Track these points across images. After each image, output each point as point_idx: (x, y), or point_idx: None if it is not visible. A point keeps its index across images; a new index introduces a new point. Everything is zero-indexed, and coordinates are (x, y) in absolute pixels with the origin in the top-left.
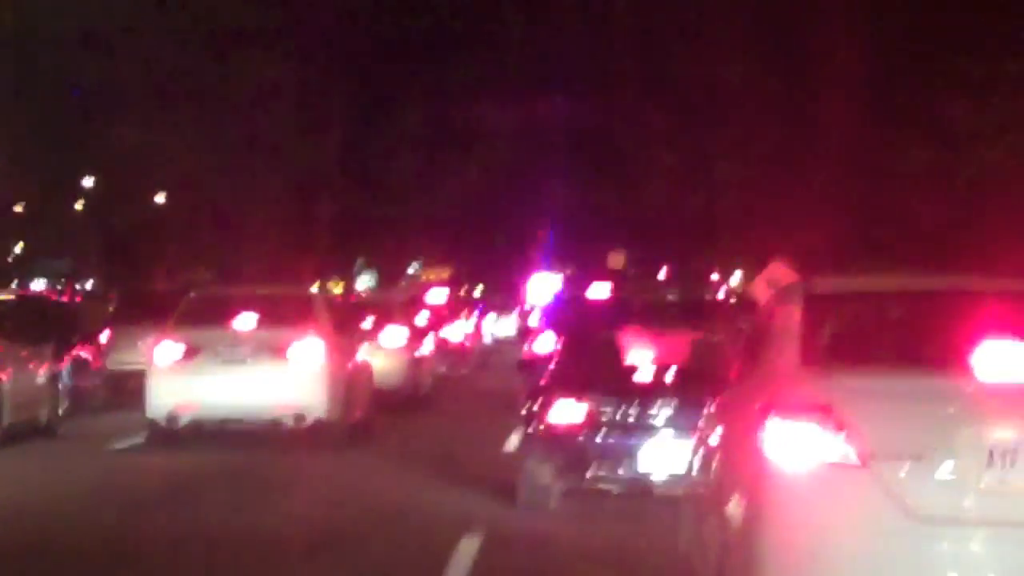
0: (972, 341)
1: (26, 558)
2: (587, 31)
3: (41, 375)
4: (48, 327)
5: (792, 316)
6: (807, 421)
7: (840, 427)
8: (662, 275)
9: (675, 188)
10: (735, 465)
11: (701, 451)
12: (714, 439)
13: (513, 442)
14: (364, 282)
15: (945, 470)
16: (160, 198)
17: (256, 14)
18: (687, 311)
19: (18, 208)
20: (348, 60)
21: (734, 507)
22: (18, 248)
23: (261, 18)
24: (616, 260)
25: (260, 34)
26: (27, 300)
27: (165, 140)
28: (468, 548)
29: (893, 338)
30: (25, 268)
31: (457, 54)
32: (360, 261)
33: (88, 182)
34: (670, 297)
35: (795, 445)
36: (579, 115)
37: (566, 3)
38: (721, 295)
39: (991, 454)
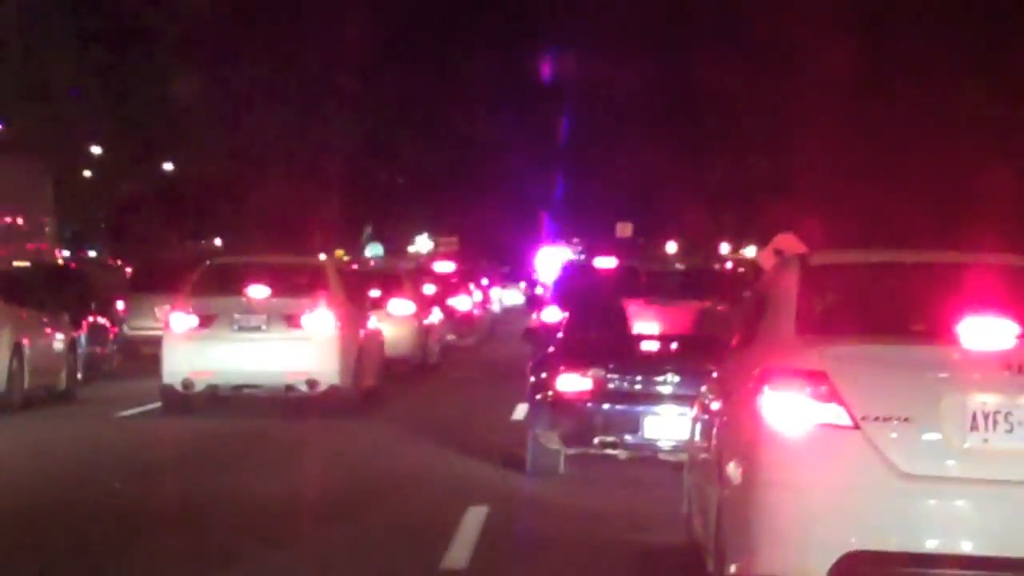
0: (958, 312)
1: (43, 520)
2: None
3: (60, 341)
4: (65, 294)
5: (789, 287)
6: (802, 386)
7: (833, 392)
8: (671, 246)
9: (688, 157)
10: (734, 428)
11: (702, 416)
12: (715, 404)
13: (520, 410)
14: (371, 251)
15: (931, 432)
16: (168, 165)
17: None
18: (694, 281)
19: None
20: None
21: (733, 468)
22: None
23: None
24: (624, 230)
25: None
26: (44, 267)
27: (175, 109)
28: (475, 516)
29: (884, 309)
30: None
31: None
32: (367, 231)
33: (96, 149)
34: (678, 267)
35: (791, 408)
36: (592, 80)
37: None
38: (730, 265)
39: (974, 417)
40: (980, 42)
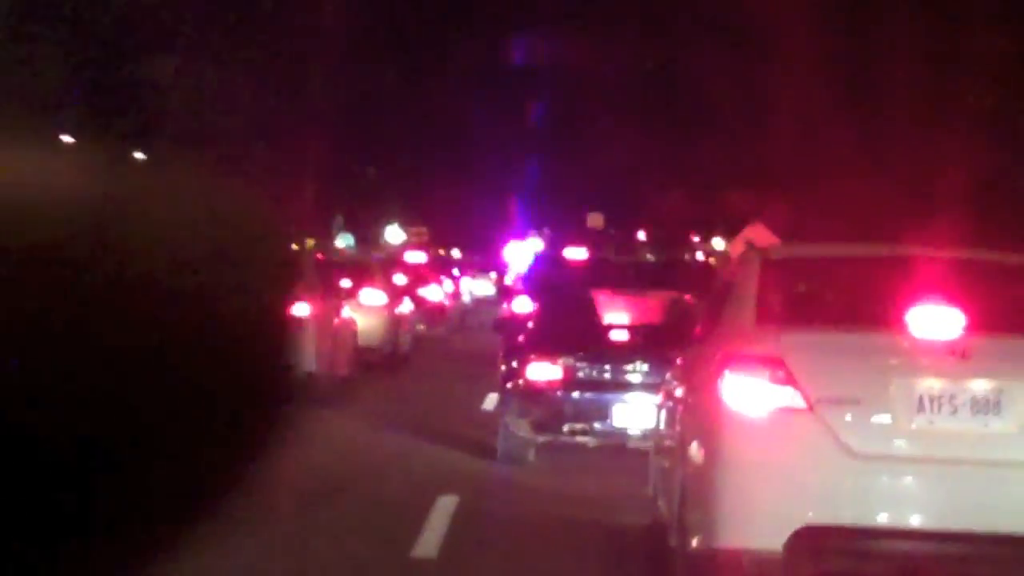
0: (908, 302)
1: None
2: None
3: None
4: None
5: (750, 279)
6: (760, 371)
7: (789, 376)
8: (642, 236)
9: (661, 147)
10: (697, 411)
11: (666, 402)
12: (678, 390)
13: (491, 400)
14: (342, 241)
15: (881, 414)
16: (139, 155)
17: None
18: (664, 272)
19: None
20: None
21: (696, 448)
22: None
23: None
24: (595, 220)
25: None
26: None
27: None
28: (445, 505)
29: (838, 299)
30: None
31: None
32: (338, 219)
33: (67, 138)
34: (649, 258)
35: (750, 393)
36: (560, 66)
37: None
38: (701, 256)
39: (921, 400)
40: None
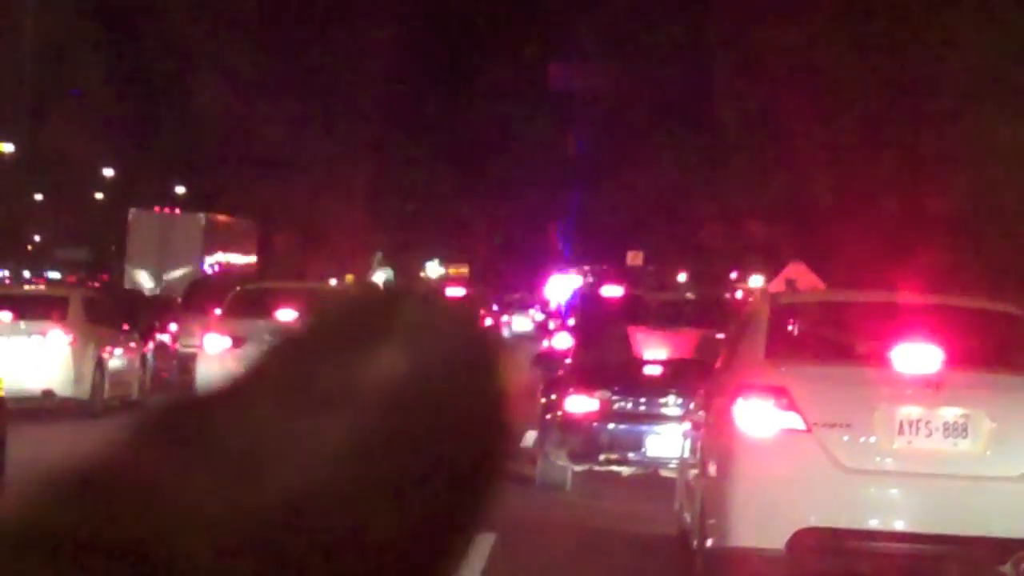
0: (894, 341)
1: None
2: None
3: (133, 356)
4: (133, 315)
5: (760, 320)
6: (767, 398)
7: (791, 403)
8: (682, 276)
9: (701, 185)
10: (714, 432)
11: (690, 427)
12: (700, 415)
13: (530, 438)
14: (380, 277)
15: (867, 435)
16: (180, 188)
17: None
18: (700, 310)
19: (38, 197)
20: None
21: (713, 463)
22: (37, 237)
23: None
24: (635, 258)
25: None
26: (115, 291)
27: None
28: (482, 543)
29: (835, 338)
30: (43, 257)
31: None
32: (378, 256)
33: (108, 172)
34: (688, 295)
35: (758, 416)
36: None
37: None
38: (740, 295)
39: (901, 424)
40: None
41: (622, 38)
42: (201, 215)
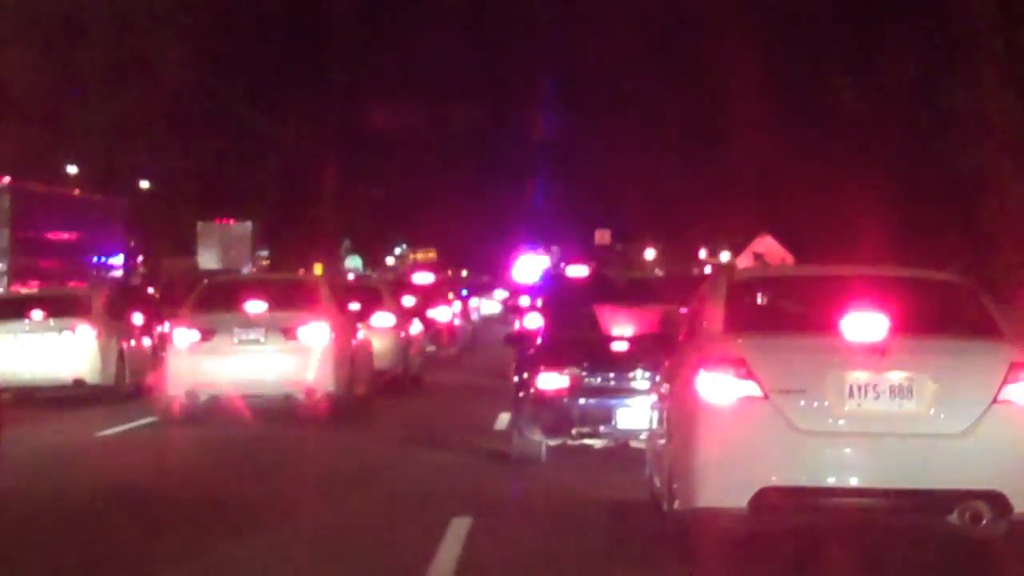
0: (843, 311)
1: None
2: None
3: (145, 347)
4: (142, 309)
5: (719, 295)
6: (727, 369)
7: (749, 372)
8: (649, 252)
9: (666, 164)
10: (679, 402)
11: (657, 398)
12: (665, 387)
13: (503, 420)
14: (350, 264)
15: (820, 400)
16: (144, 183)
17: None
18: (666, 286)
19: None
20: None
21: (679, 431)
22: None
23: None
24: (603, 237)
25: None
26: (124, 287)
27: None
28: (459, 527)
29: (789, 310)
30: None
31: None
32: (346, 243)
33: (72, 169)
34: (656, 272)
35: (719, 385)
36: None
37: None
38: (708, 270)
39: (850, 388)
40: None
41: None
42: (249, 223)
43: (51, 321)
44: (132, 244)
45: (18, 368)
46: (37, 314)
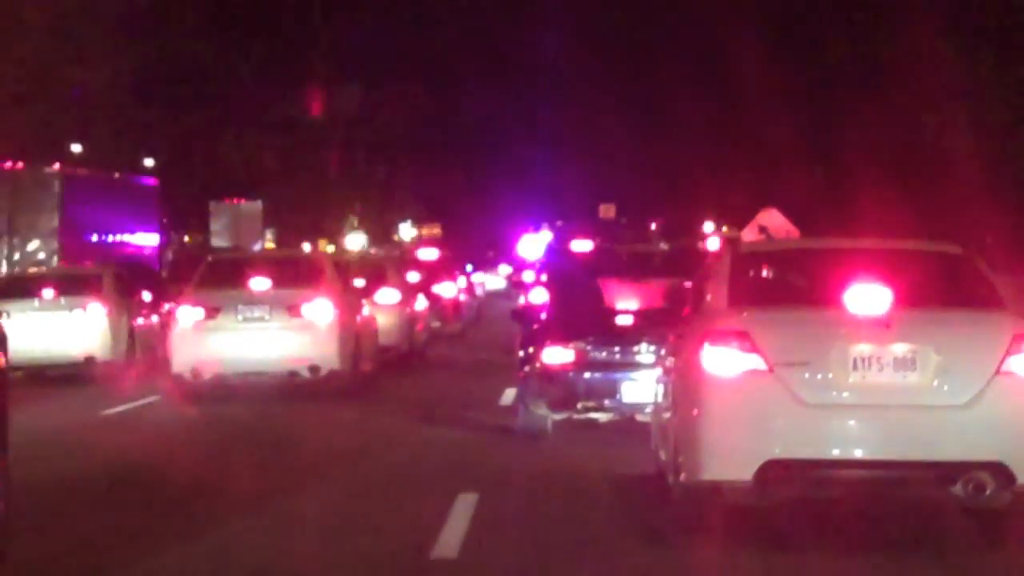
0: (847, 284)
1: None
2: None
3: (154, 323)
4: (149, 287)
5: (723, 269)
6: (731, 342)
7: (753, 346)
8: (654, 226)
9: (670, 136)
10: (684, 376)
11: (663, 372)
12: (670, 361)
13: (508, 396)
14: (354, 241)
15: (824, 372)
16: (149, 161)
17: None
18: (670, 260)
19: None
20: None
21: (684, 405)
22: None
23: None
24: (607, 211)
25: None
26: (130, 266)
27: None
28: (465, 503)
29: (792, 283)
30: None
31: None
32: (351, 220)
33: (76, 147)
34: (661, 246)
35: (724, 359)
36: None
37: None
38: (714, 244)
39: (855, 361)
40: None
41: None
42: (259, 202)
43: (62, 300)
44: (164, 222)
45: (30, 346)
46: (48, 293)
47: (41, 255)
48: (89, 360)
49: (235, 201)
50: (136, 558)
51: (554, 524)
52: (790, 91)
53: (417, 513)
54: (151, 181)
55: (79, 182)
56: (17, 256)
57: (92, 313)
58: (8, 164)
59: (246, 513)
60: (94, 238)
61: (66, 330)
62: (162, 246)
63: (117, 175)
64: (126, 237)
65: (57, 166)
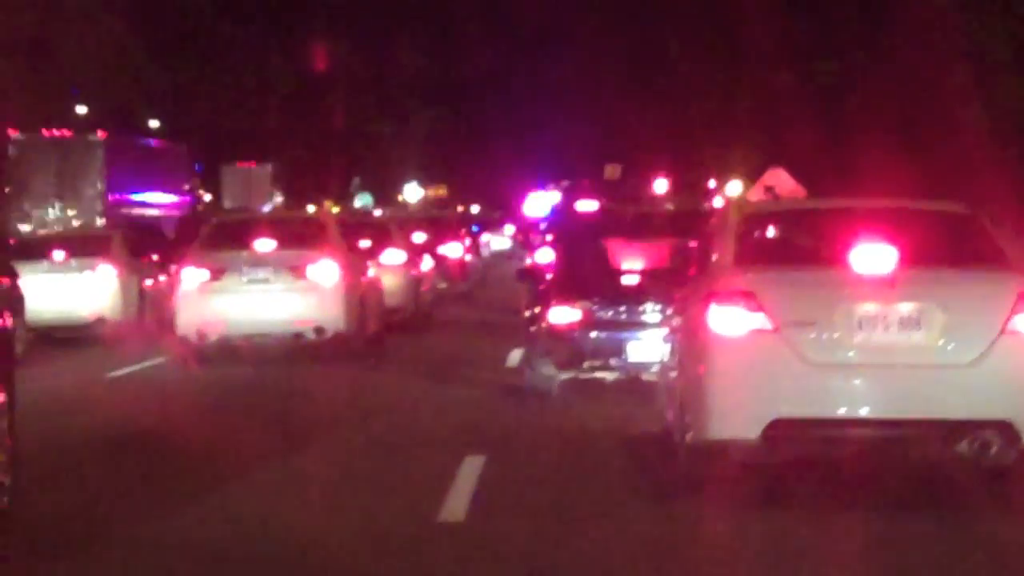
0: (850, 244)
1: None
2: None
3: (163, 283)
4: (160, 248)
5: (729, 229)
6: (737, 302)
7: (759, 305)
8: (661, 185)
9: (675, 94)
10: (691, 336)
11: (669, 331)
12: (677, 320)
13: (515, 357)
14: (360, 202)
15: (830, 332)
16: (154, 123)
17: None
18: (675, 220)
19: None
20: None
21: (690, 364)
22: None
23: None
24: (612, 171)
25: None
26: (142, 228)
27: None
28: (472, 466)
29: (798, 243)
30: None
31: None
32: (356, 181)
33: (82, 109)
34: (668, 206)
35: (730, 318)
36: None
37: None
38: (720, 203)
39: (860, 320)
40: None
41: None
42: (268, 165)
43: (72, 261)
44: (195, 182)
45: (41, 307)
46: (59, 254)
47: (85, 217)
48: (99, 321)
49: (247, 165)
50: (141, 517)
51: (561, 485)
52: (797, 50)
53: (424, 475)
54: (182, 146)
55: (120, 148)
56: (62, 217)
57: (102, 274)
58: (56, 132)
59: (250, 476)
60: (134, 200)
61: (76, 291)
62: (191, 207)
63: (153, 141)
64: (161, 198)
65: (101, 134)
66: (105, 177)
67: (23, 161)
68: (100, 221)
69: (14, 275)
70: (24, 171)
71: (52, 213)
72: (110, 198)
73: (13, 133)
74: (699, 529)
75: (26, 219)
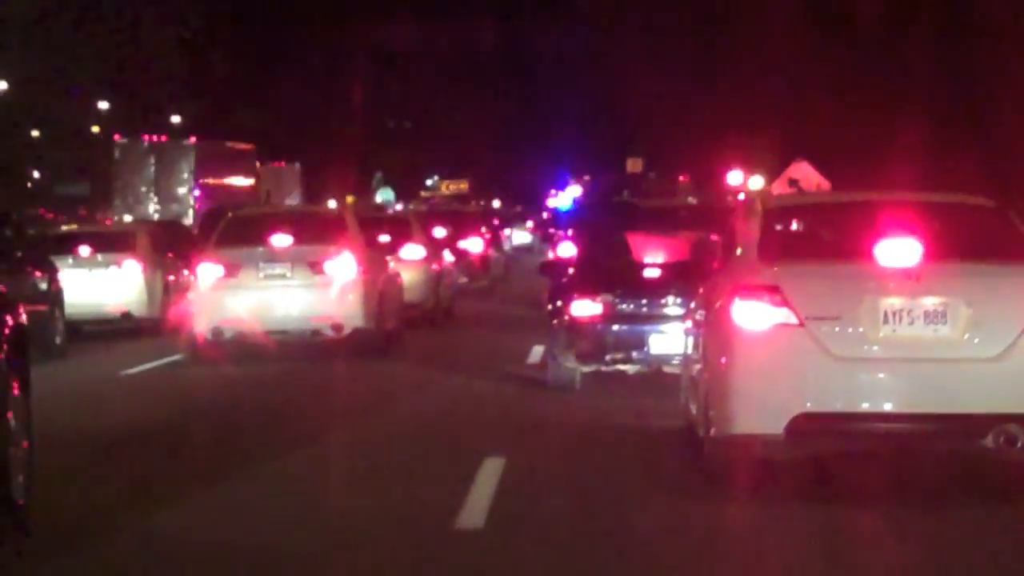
0: (875, 237)
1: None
2: None
3: (185, 278)
4: (182, 245)
5: (754, 223)
6: (762, 296)
7: (784, 300)
8: (683, 179)
9: (696, 89)
10: (715, 330)
11: (692, 325)
12: (700, 314)
13: (536, 354)
14: (382, 196)
15: (855, 326)
16: (176, 118)
17: None
18: (696, 214)
19: (35, 133)
20: None
21: (714, 358)
22: (36, 174)
23: None
24: (635, 165)
25: None
26: (166, 225)
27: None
28: (492, 468)
29: (822, 237)
30: (43, 195)
31: None
32: (378, 176)
33: (103, 104)
34: (689, 200)
35: (755, 313)
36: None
37: None
38: (742, 197)
39: (885, 314)
40: None
41: None
42: (297, 164)
43: (99, 256)
44: (259, 180)
45: (68, 302)
46: (85, 250)
47: (178, 211)
48: (126, 316)
49: (279, 164)
50: (154, 508)
51: (584, 483)
52: (825, 41)
53: (442, 479)
54: (250, 147)
55: (207, 151)
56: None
57: (128, 270)
58: (154, 137)
59: (260, 473)
60: (217, 197)
61: (103, 286)
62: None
63: (229, 144)
64: (236, 196)
65: (192, 139)
66: (196, 177)
67: (125, 162)
68: (191, 214)
69: (53, 269)
70: (126, 171)
71: (151, 207)
72: (199, 196)
73: (117, 138)
74: (723, 524)
75: (129, 212)
